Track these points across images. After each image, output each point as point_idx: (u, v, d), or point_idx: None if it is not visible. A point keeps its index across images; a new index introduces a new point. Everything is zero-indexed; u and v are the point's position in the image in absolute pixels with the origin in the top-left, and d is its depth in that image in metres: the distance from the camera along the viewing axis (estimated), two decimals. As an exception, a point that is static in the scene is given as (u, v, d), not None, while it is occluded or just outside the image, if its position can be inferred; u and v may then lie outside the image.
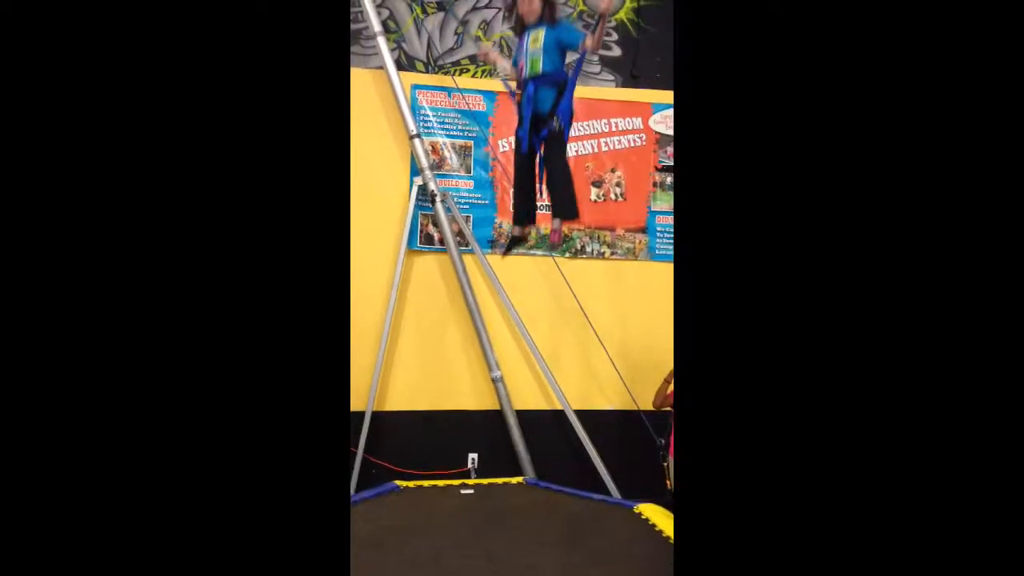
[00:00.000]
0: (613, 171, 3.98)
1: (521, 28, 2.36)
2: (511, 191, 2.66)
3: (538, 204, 2.53)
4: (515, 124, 3.84)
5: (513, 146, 2.50)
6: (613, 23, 3.96)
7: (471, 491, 2.84)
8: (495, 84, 3.87)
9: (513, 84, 2.46)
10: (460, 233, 3.72)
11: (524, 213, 2.53)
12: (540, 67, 2.26)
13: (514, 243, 2.65)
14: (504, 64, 2.53)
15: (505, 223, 3.86)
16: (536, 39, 2.29)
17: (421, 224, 3.74)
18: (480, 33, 3.84)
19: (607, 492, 3.35)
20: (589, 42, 2.21)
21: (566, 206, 2.33)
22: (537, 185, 2.44)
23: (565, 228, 3.87)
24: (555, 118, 2.27)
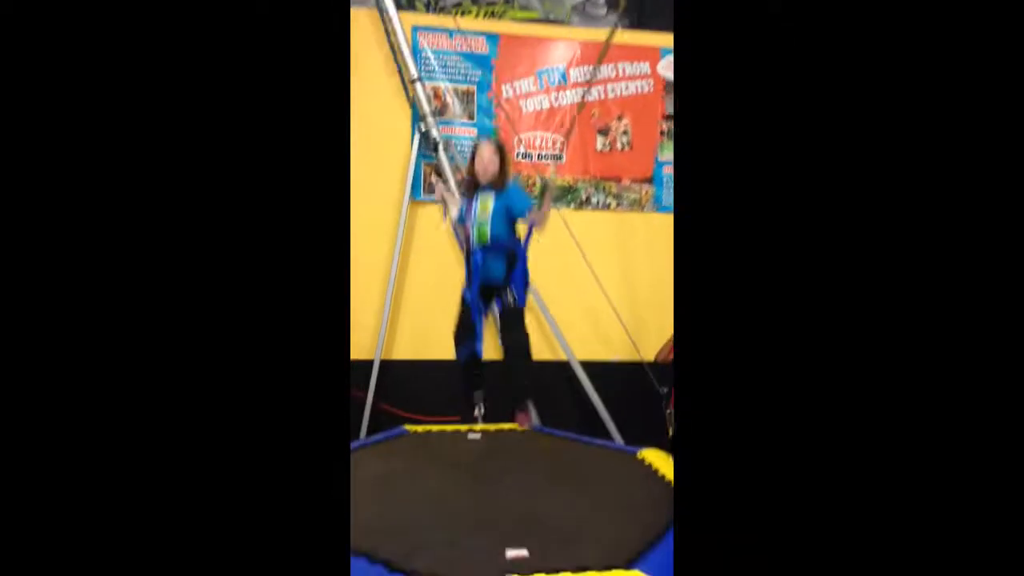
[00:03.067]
0: (620, 119, 3.88)
1: (472, 188, 2.19)
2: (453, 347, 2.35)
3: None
4: (519, 72, 3.77)
5: (459, 232, 2.28)
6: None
7: (478, 436, 2.89)
8: (499, 26, 3.72)
9: (461, 234, 2.29)
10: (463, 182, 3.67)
11: (474, 379, 2.31)
12: (488, 237, 2.14)
13: (469, 417, 2.40)
14: (453, 210, 2.33)
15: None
16: (485, 206, 2.16)
17: (424, 173, 3.68)
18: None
19: (611, 439, 3.42)
20: (536, 215, 2.10)
21: (526, 392, 2.19)
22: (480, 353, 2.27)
23: (569, 178, 3.81)
24: (509, 290, 2.13)
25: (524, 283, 2.17)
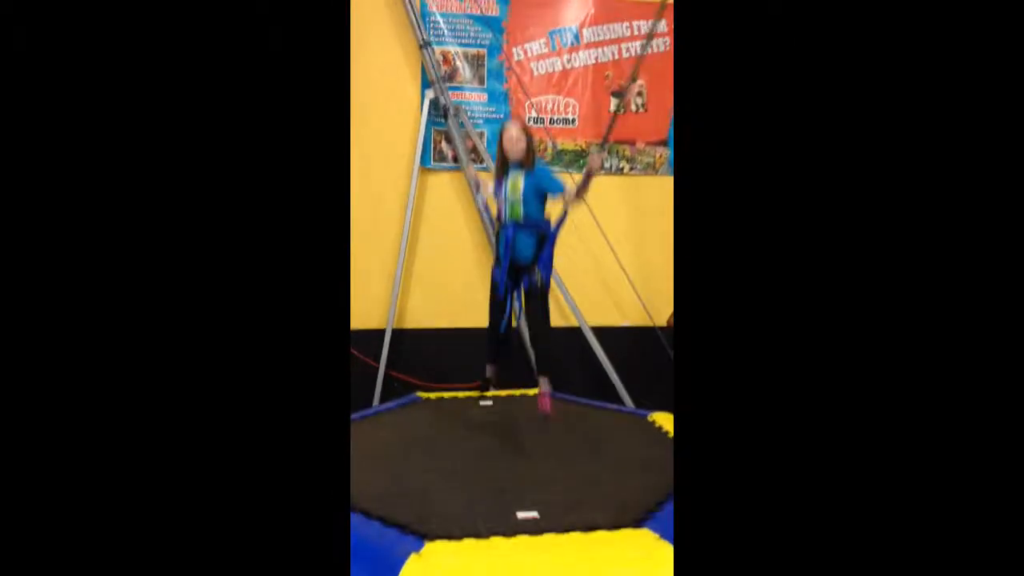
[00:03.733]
0: (634, 79, 3.77)
1: (502, 165, 2.25)
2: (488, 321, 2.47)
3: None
4: (530, 33, 3.67)
5: (494, 239, 2.38)
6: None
7: (489, 403, 2.94)
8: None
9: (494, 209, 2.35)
10: (474, 149, 3.63)
11: (498, 354, 2.46)
12: (520, 214, 2.19)
13: (485, 387, 2.55)
14: (488, 188, 2.38)
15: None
16: (515, 186, 2.20)
17: (434, 140, 3.64)
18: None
19: (622, 404, 3.46)
20: (566, 195, 2.16)
21: (551, 362, 2.24)
22: (511, 330, 2.35)
23: (582, 142, 3.74)
24: (536, 270, 2.19)
25: (551, 264, 2.27)
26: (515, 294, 2.27)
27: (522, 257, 2.21)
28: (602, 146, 2.30)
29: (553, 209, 2.33)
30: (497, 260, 2.28)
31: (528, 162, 2.22)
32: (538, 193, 2.20)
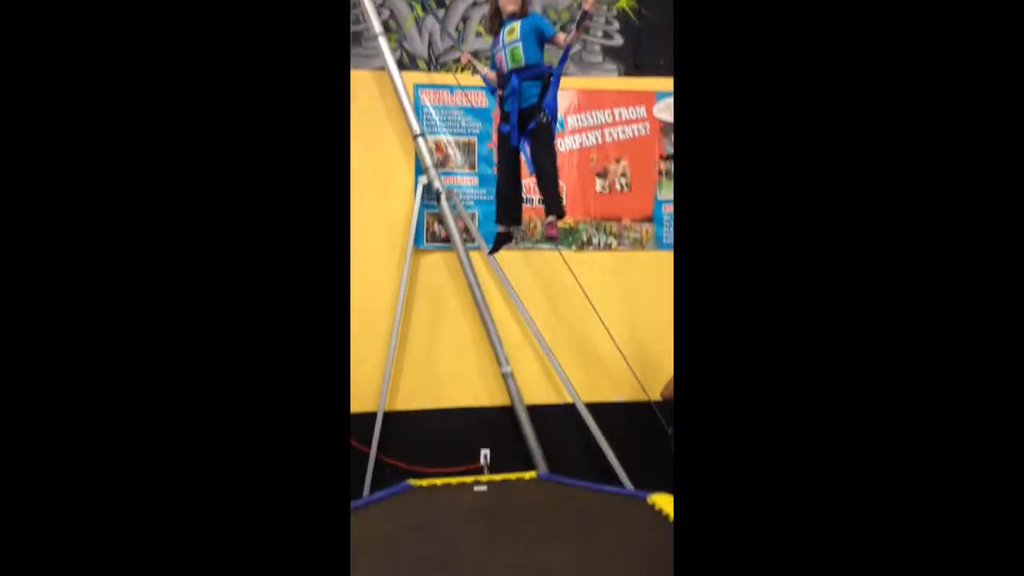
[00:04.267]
0: (618, 161, 3.95)
1: (497, 24, 2.39)
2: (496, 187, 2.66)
3: (523, 200, 2.57)
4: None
5: (497, 141, 2.50)
6: (615, 12, 3.93)
7: (484, 488, 2.85)
8: (496, 79, 3.86)
9: (493, 76, 2.47)
10: (466, 230, 3.73)
11: (511, 211, 2.53)
12: (522, 58, 2.27)
13: (501, 241, 2.62)
14: (483, 69, 2.56)
15: (511, 218, 3.85)
16: (512, 30, 2.32)
17: (427, 222, 3.75)
18: (481, 28, 3.82)
19: (620, 484, 3.35)
20: (561, 37, 2.26)
21: (556, 202, 2.35)
22: (523, 182, 2.46)
23: (570, 220, 3.86)
24: (542, 111, 2.28)
25: (556, 107, 2.34)
26: (523, 142, 2.30)
27: (528, 104, 2.26)
28: None
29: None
30: (504, 116, 2.31)
31: (522, 12, 2.30)
32: (535, 32, 2.26)
